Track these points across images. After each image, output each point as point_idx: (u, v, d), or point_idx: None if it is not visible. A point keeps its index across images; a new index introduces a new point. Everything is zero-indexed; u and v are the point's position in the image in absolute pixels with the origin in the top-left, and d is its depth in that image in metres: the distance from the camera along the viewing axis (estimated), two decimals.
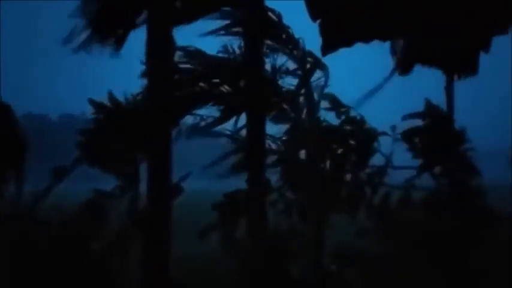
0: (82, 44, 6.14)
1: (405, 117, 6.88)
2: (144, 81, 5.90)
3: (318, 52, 6.74)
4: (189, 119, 6.94)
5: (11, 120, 5.65)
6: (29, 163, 5.73)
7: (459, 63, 7.17)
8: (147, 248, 5.53)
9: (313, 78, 7.27)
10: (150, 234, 5.55)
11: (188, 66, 6.77)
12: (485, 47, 7.08)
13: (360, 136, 6.81)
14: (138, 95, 6.10)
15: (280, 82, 7.22)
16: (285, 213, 6.58)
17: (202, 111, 6.93)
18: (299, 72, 7.28)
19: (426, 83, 7.54)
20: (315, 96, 7.25)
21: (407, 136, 6.88)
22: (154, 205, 5.55)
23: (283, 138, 7.02)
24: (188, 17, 6.37)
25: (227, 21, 6.84)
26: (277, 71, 7.14)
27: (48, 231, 5.52)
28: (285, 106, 7.12)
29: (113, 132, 5.93)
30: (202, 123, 6.89)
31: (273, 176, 6.63)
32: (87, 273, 5.46)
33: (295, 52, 7.23)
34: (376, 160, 6.90)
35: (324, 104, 7.13)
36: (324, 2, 6.49)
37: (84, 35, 6.12)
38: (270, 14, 6.99)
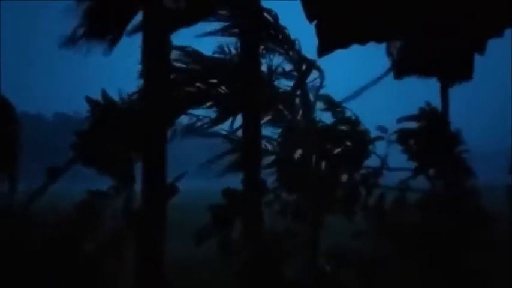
0: (76, 42, 6.11)
1: (400, 120, 6.90)
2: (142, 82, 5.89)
3: (314, 53, 6.76)
4: (184, 119, 6.94)
5: (12, 119, 5.64)
6: (22, 162, 5.71)
7: (454, 67, 7.19)
8: (141, 249, 5.51)
9: (308, 79, 7.28)
10: (144, 235, 5.53)
11: (184, 66, 6.76)
12: (480, 49, 7.11)
13: (355, 137, 6.82)
14: (133, 94, 6.08)
15: (276, 83, 7.22)
16: (281, 214, 6.57)
17: (198, 112, 6.93)
18: (295, 73, 7.29)
19: (422, 83, 7.56)
20: (311, 97, 7.26)
21: (403, 138, 6.89)
22: (149, 205, 5.53)
23: (279, 139, 7.02)
24: (186, 21, 6.36)
25: (224, 23, 6.84)
26: (273, 72, 7.15)
27: (41, 231, 5.49)
28: (281, 107, 7.12)
29: (107, 131, 5.91)
30: (198, 124, 6.88)
31: (269, 177, 6.63)
32: (80, 274, 5.43)
33: (291, 53, 7.24)
34: (372, 161, 6.91)
35: (320, 105, 7.14)
36: (320, 3, 6.49)
37: (78, 33, 6.10)
38: (266, 14, 6.99)
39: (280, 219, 6.47)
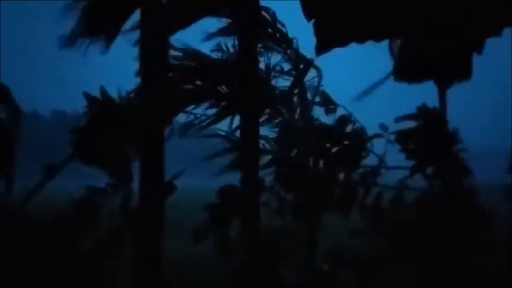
0: (74, 41, 6.11)
1: (398, 119, 6.89)
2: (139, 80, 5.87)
3: (312, 52, 6.75)
4: (182, 117, 6.93)
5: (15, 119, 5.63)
6: (19, 161, 5.69)
7: (452, 67, 7.19)
8: (139, 247, 5.50)
9: (307, 78, 7.28)
10: (142, 233, 5.52)
11: (182, 64, 6.76)
12: (478, 48, 7.11)
13: (352, 136, 6.82)
14: (131, 92, 6.07)
15: (273, 82, 7.23)
16: (278, 213, 6.57)
17: (196, 110, 6.93)
18: (293, 72, 7.28)
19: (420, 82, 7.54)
20: (309, 96, 7.26)
21: (401, 137, 6.89)
22: (147, 203, 5.52)
23: (277, 138, 7.02)
24: (183, 21, 6.35)
25: (223, 22, 6.84)
26: (271, 70, 7.15)
27: (38, 229, 5.48)
28: (279, 106, 7.12)
29: (105, 128, 5.89)
30: (196, 122, 6.88)
31: (268, 177, 6.63)
32: (77, 272, 5.42)
33: (288, 52, 7.24)
34: (370, 160, 6.91)
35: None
36: (318, 1, 6.49)
37: (75, 32, 6.09)
38: (264, 13, 6.99)
39: (277, 218, 6.47)
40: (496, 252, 6.46)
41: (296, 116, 7.21)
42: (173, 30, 6.09)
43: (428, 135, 6.94)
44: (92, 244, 5.54)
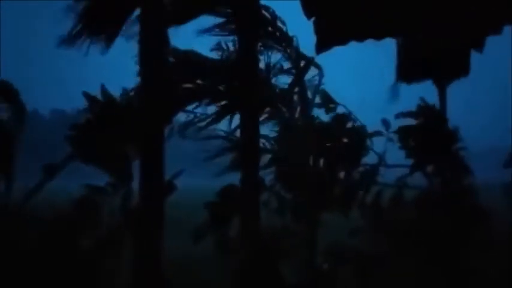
0: (74, 40, 6.10)
1: (398, 116, 6.88)
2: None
3: (312, 50, 6.75)
4: (182, 117, 6.93)
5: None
6: (19, 160, 5.69)
7: (450, 64, 7.18)
8: (139, 247, 5.50)
9: (307, 77, 7.27)
10: (142, 233, 5.52)
11: (182, 63, 6.75)
12: (479, 46, 7.09)
13: (352, 134, 6.82)
14: (131, 91, 6.07)
15: (274, 80, 7.21)
16: (278, 212, 6.57)
17: (196, 109, 6.92)
18: (293, 70, 7.27)
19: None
20: (309, 94, 7.25)
21: (400, 135, 6.88)
22: (147, 203, 5.52)
23: (277, 137, 7.01)
24: (182, 17, 6.34)
25: (221, 20, 6.83)
26: (271, 69, 7.14)
27: (38, 228, 5.48)
28: (279, 105, 7.11)
29: (105, 128, 5.89)
30: (196, 121, 6.87)
31: (268, 176, 6.63)
32: (78, 271, 5.42)
33: (288, 50, 7.23)
34: (369, 158, 6.90)
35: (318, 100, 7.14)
36: (319, 0, 6.48)
37: (75, 32, 6.09)
38: (263, 11, 6.98)
39: (278, 217, 6.47)
40: (496, 250, 6.46)
41: (296, 115, 7.20)
42: (172, 24, 6.06)
43: (428, 133, 6.94)
44: (92, 243, 5.54)
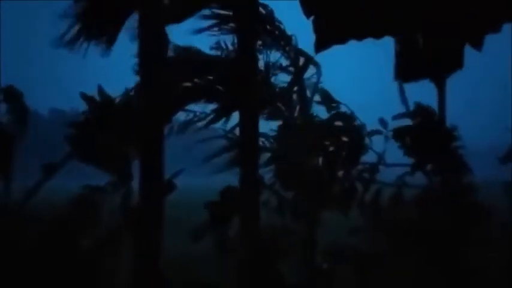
0: (72, 42, 6.10)
1: (396, 117, 6.89)
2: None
3: (311, 49, 6.74)
4: (181, 116, 6.93)
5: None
6: (18, 159, 5.69)
7: (444, 59, 7.15)
8: (138, 246, 5.50)
9: (306, 75, 7.27)
10: (142, 232, 5.52)
11: (181, 62, 6.75)
12: (477, 45, 7.07)
13: (351, 132, 6.82)
14: (130, 90, 6.07)
15: (273, 79, 7.21)
16: (278, 211, 6.57)
17: (195, 108, 6.92)
18: (292, 69, 7.27)
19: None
20: (308, 93, 7.25)
21: (398, 134, 6.89)
22: (146, 202, 5.52)
23: (276, 136, 7.01)
24: (179, 15, 6.34)
25: (220, 19, 6.82)
26: (270, 68, 7.13)
27: (37, 228, 5.48)
28: (278, 104, 7.11)
29: (104, 127, 5.89)
30: (195, 119, 6.88)
31: (267, 175, 6.63)
32: (77, 271, 5.42)
33: (287, 49, 7.23)
34: (369, 157, 6.91)
35: (317, 98, 7.13)
36: None
37: (74, 33, 6.09)
38: (261, 9, 6.97)
39: (277, 217, 6.47)
40: (495, 249, 6.46)
41: (295, 114, 7.20)
42: (168, 23, 6.05)
43: (426, 133, 6.94)
44: (91, 243, 5.55)
